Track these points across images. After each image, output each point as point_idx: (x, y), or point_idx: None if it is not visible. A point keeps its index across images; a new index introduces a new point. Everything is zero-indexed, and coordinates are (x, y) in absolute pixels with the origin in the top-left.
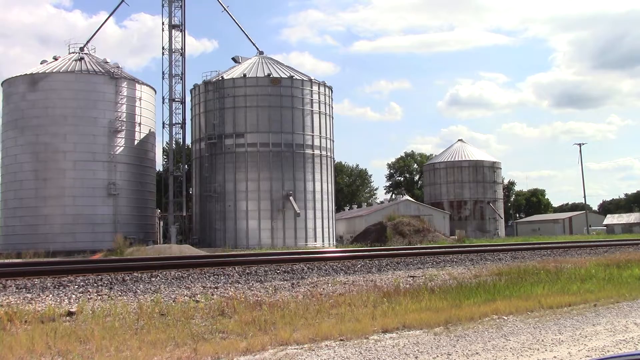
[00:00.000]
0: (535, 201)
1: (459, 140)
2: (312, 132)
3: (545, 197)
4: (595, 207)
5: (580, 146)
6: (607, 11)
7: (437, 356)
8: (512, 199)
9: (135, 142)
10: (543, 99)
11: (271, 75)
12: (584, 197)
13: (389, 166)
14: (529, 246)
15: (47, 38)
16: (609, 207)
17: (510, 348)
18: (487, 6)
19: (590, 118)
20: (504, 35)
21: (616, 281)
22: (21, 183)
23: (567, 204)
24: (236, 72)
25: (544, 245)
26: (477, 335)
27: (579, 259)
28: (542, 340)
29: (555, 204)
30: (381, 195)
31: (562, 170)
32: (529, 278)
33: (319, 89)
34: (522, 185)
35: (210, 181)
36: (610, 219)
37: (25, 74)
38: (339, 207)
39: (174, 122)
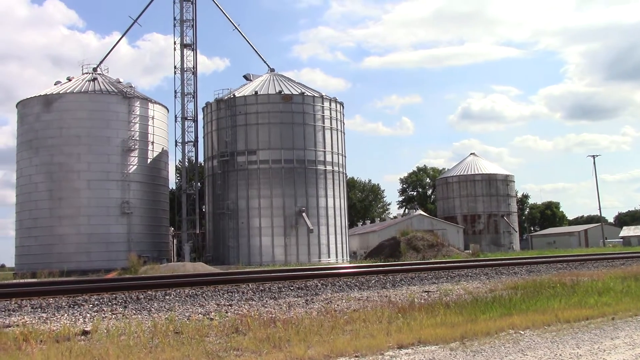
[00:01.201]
0: (549, 214)
1: (471, 154)
2: (324, 148)
3: (560, 210)
4: (610, 219)
5: (594, 158)
6: (618, 22)
7: None
8: (526, 212)
9: (149, 160)
10: (556, 111)
11: (282, 92)
12: (599, 209)
13: (402, 181)
14: (544, 259)
15: (60, 59)
16: (624, 219)
17: None
18: (498, 20)
19: (604, 129)
20: (514, 48)
21: (634, 294)
22: (36, 203)
23: (582, 217)
24: (248, 89)
25: (560, 259)
26: (493, 351)
27: (595, 271)
28: (560, 355)
29: (570, 216)
30: (394, 210)
31: (577, 182)
32: (545, 292)
33: (330, 105)
34: (536, 198)
35: (223, 198)
36: (627, 231)
37: (40, 95)
38: (352, 223)
39: (186, 140)
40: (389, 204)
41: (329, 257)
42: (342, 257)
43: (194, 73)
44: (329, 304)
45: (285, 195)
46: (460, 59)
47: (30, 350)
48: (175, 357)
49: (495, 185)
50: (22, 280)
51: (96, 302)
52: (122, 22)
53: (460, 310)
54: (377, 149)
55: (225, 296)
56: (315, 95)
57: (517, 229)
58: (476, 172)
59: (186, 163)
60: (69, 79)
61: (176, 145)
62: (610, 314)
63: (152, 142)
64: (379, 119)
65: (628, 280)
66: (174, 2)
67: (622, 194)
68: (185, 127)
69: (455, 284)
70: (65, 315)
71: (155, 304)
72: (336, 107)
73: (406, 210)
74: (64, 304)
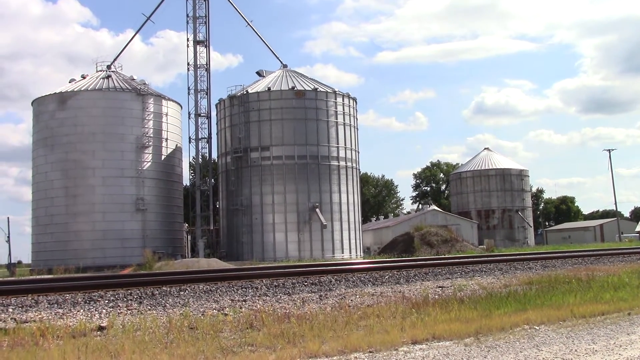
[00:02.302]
0: (564, 209)
1: (485, 148)
2: (337, 143)
3: (575, 205)
4: (626, 214)
5: (609, 152)
6: (634, 14)
7: None
8: (541, 207)
9: (162, 157)
10: (570, 105)
11: (295, 88)
12: (615, 203)
13: (415, 176)
14: (559, 254)
15: (75, 57)
16: None
17: (543, 359)
18: (512, 13)
19: (619, 123)
20: (529, 42)
21: None
22: (52, 200)
23: (597, 211)
24: (260, 85)
25: (575, 254)
26: (508, 346)
27: (611, 266)
28: (576, 351)
29: (586, 211)
30: (408, 206)
31: (592, 176)
32: (560, 287)
33: (343, 100)
34: (551, 193)
35: (236, 195)
36: None
37: (55, 93)
38: (365, 218)
39: (200, 136)
40: (403, 200)
41: (343, 252)
42: (356, 252)
43: (207, 70)
44: (343, 299)
45: (298, 191)
46: (474, 53)
47: (47, 345)
48: (190, 353)
49: (510, 180)
50: (38, 277)
51: (112, 298)
52: (135, 19)
53: (474, 306)
54: (391, 144)
55: (239, 292)
56: (328, 90)
57: (531, 224)
58: (490, 167)
59: (200, 159)
60: (83, 77)
61: (190, 141)
62: (627, 309)
63: (166, 139)
64: (393, 114)
65: None
66: None
67: (638, 188)
68: (199, 123)
69: (469, 279)
70: (82, 311)
71: (170, 300)
72: (349, 102)
73: (420, 205)
74: (80, 299)
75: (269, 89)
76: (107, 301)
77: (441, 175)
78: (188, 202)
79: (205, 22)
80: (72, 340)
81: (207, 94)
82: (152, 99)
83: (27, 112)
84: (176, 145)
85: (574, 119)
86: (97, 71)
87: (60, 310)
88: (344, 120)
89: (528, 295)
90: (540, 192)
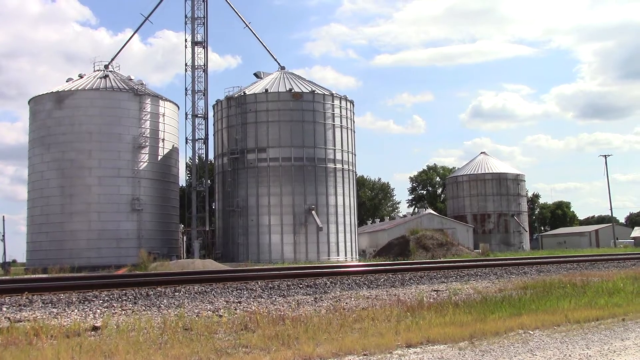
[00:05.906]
0: (560, 214)
1: (482, 152)
2: (334, 146)
3: (571, 210)
4: (622, 220)
5: (605, 158)
6: (632, 20)
7: None
8: (536, 212)
9: (159, 157)
10: (568, 110)
11: (293, 90)
12: (611, 209)
13: (412, 179)
14: (554, 259)
15: (73, 56)
16: (636, 220)
17: None
18: (510, 17)
19: (616, 129)
20: (527, 47)
21: None
22: (47, 199)
23: (593, 217)
24: (258, 87)
25: (570, 259)
26: (502, 350)
27: (606, 272)
28: (570, 356)
29: (581, 216)
30: (404, 209)
31: (588, 182)
32: (555, 292)
33: (340, 103)
34: (547, 198)
35: (232, 196)
36: (638, 232)
37: (52, 92)
38: (361, 221)
39: (196, 137)
40: (399, 203)
41: (338, 255)
42: (351, 255)
43: (205, 70)
44: (338, 302)
45: (294, 193)
46: (471, 57)
47: (41, 345)
48: (184, 354)
49: (506, 185)
50: (33, 276)
51: (106, 298)
52: (134, 19)
53: (469, 310)
54: (388, 147)
55: (234, 293)
56: (326, 93)
57: (527, 229)
58: (486, 171)
59: (196, 160)
60: (81, 76)
61: (186, 142)
62: (621, 314)
63: (163, 139)
64: (390, 117)
65: (639, 281)
66: (185, 0)
67: (634, 194)
68: (196, 124)
69: (464, 283)
70: (76, 310)
71: (165, 301)
72: (346, 105)
73: (416, 209)
74: (74, 299)
75: (266, 90)
76: (101, 301)
77: (437, 178)
78: (184, 203)
79: (204, 23)
80: (66, 340)
81: (204, 95)
82: (149, 99)
83: (24, 111)
84: (173, 145)
85: (571, 124)
86: (94, 71)
87: (55, 310)
88: (340, 123)
89: (523, 300)
90: (536, 196)
